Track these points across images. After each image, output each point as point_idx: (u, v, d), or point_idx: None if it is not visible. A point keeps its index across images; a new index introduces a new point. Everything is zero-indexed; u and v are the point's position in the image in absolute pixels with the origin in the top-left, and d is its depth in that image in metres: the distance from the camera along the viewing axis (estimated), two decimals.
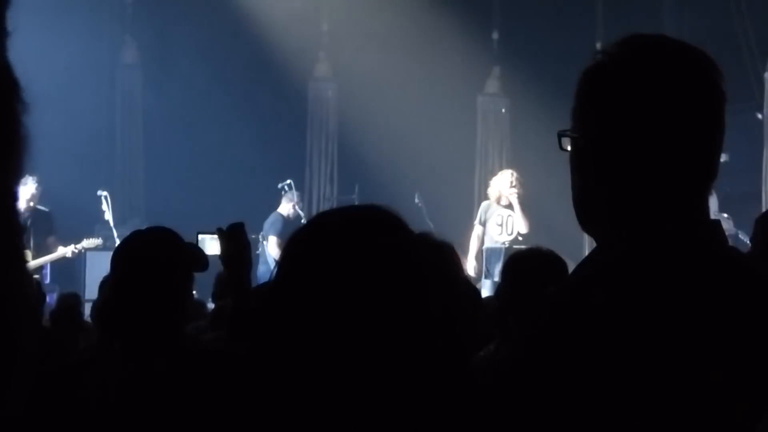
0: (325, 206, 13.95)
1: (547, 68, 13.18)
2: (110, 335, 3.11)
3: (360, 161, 13.80)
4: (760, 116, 12.70)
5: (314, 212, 13.66)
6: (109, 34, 14.40)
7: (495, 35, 14.45)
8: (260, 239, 12.25)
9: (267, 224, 12.33)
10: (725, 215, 12.19)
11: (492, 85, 14.45)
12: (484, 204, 11.33)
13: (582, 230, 1.78)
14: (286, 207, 12.53)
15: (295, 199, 12.57)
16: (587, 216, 1.76)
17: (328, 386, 1.62)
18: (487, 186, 11.76)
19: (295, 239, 1.72)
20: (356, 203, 13.11)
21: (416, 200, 12.06)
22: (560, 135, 1.79)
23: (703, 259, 1.65)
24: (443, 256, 2.88)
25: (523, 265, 3.97)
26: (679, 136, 1.67)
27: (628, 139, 1.67)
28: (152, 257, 3.02)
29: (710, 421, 1.54)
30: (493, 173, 13.73)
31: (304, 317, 1.64)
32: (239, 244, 3.40)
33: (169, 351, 3.00)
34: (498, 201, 11.09)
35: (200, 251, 3.27)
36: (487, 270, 10.67)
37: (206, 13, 14.03)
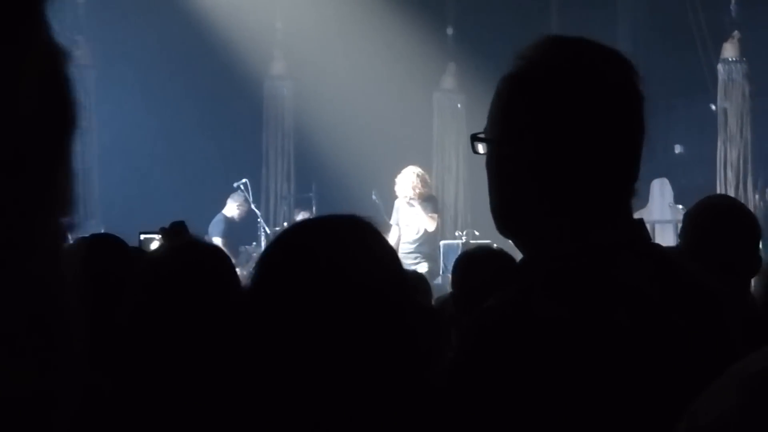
0: (281, 204, 13.93)
1: (503, 64, 13.08)
2: None
3: (317, 159, 13.78)
4: (713, 107, 12.80)
5: (271, 211, 13.64)
6: (61, 35, 14.26)
7: (450, 31, 14.46)
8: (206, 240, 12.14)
9: (211, 226, 12.26)
10: (680, 206, 12.28)
11: (447, 81, 14.46)
12: (395, 203, 11.21)
13: (501, 235, 1.77)
14: (231, 208, 12.45)
15: (240, 200, 12.48)
16: (508, 221, 1.74)
17: (296, 395, 1.61)
18: (441, 181, 11.72)
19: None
20: (313, 201, 13.15)
21: (373, 197, 12.05)
22: (474, 139, 1.80)
23: (634, 263, 1.65)
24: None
25: (472, 263, 3.96)
26: (604, 139, 1.66)
27: (552, 145, 1.66)
28: (94, 265, 2.96)
29: None
30: (450, 169, 13.71)
31: (275, 328, 1.63)
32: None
33: (109, 358, 2.94)
34: (406, 200, 10.98)
35: (144, 256, 3.21)
36: (445, 266, 10.65)
37: (159, 11, 13.94)
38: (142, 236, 3.93)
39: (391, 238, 11.00)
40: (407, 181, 10.91)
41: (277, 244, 1.74)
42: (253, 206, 12.55)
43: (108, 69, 14.21)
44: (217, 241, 11.97)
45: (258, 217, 12.39)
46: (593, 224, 1.66)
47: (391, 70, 13.87)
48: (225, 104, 14.27)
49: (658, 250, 1.75)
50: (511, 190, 1.72)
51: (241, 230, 12.74)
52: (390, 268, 1.71)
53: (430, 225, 10.81)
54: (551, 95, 1.67)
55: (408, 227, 10.91)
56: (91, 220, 13.34)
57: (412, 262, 10.42)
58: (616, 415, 1.52)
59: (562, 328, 1.54)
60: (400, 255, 10.04)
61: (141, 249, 3.61)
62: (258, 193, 13.31)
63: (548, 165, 1.66)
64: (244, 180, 12.52)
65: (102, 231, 11.51)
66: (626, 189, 1.71)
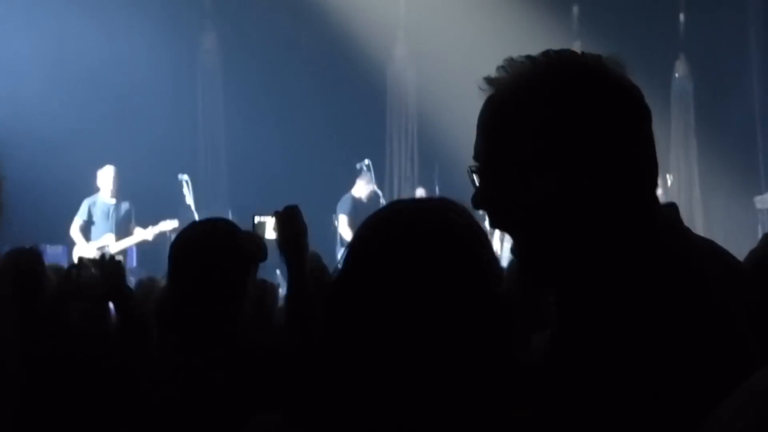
0: (405, 185, 13.96)
1: (628, 42, 13.02)
2: (167, 328, 3.10)
3: (440, 140, 13.74)
4: None
5: (395, 192, 13.68)
6: (188, 20, 14.55)
7: (575, 9, 14.30)
8: (333, 220, 12.26)
9: (339, 205, 12.32)
10: None
11: None
12: None
13: (536, 285, 1.67)
14: (359, 187, 12.48)
15: (369, 179, 12.49)
16: (546, 266, 1.62)
17: (394, 380, 1.61)
18: None
19: (362, 236, 1.71)
20: (436, 182, 13.14)
21: None
22: (471, 170, 1.67)
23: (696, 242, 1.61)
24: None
25: None
26: (614, 132, 1.59)
27: (575, 151, 1.58)
28: (206, 250, 3.01)
29: None
30: None
31: (372, 312, 1.64)
32: (295, 226, 3.34)
33: (222, 344, 2.98)
34: None
35: (257, 241, 3.22)
36: None
37: None
38: (256, 219, 3.97)
39: None
40: None
41: (366, 227, 1.73)
42: (374, 186, 12.59)
43: (233, 53, 14.43)
44: (343, 219, 12.07)
45: (380, 198, 12.44)
46: (640, 226, 1.59)
47: (515, 50, 13.65)
48: (349, 86, 14.34)
49: (697, 240, 1.68)
50: (537, 210, 1.60)
51: (367, 209, 12.79)
52: (472, 251, 1.68)
53: None
54: (556, 107, 1.60)
55: None
56: (218, 201, 13.60)
57: None
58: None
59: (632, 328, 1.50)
60: None
61: (253, 232, 3.65)
62: (381, 174, 13.36)
63: (569, 172, 1.57)
64: (366, 161, 12.58)
65: (229, 213, 11.77)
66: (651, 180, 1.64)
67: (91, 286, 3.82)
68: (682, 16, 14.27)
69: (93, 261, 3.85)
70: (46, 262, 4.61)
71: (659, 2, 13.87)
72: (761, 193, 12.87)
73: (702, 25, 14.08)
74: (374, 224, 1.72)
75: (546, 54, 1.68)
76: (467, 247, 1.65)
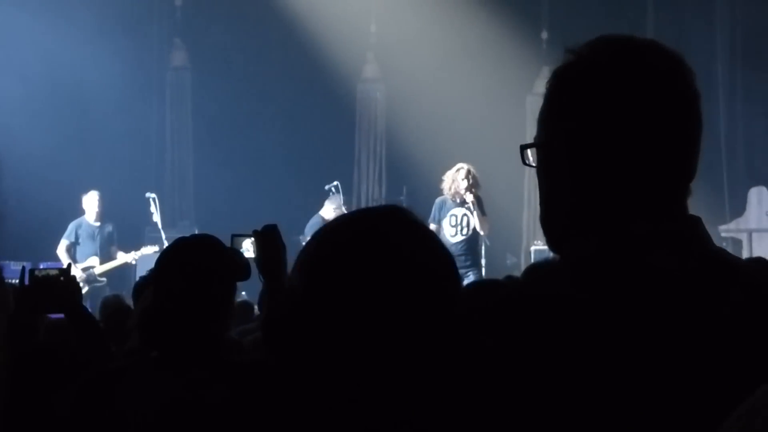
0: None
1: None
2: (149, 343, 3.06)
3: (408, 162, 13.76)
4: None
5: None
6: (158, 38, 14.50)
7: (544, 35, 14.36)
8: (301, 241, 12.18)
9: (307, 227, 12.23)
10: None
11: (541, 85, 14.20)
12: (437, 201, 10.53)
13: (550, 249, 1.71)
14: (329, 210, 12.42)
15: (339, 202, 12.43)
16: (560, 232, 1.67)
17: (352, 390, 1.59)
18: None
19: (309, 250, 1.69)
20: (404, 204, 13.12)
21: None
22: (524, 147, 1.76)
23: (678, 255, 1.58)
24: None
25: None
26: (646, 133, 1.61)
27: (605, 140, 1.61)
28: (194, 266, 2.97)
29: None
30: None
31: (323, 325, 1.61)
32: (273, 246, 3.34)
33: (206, 361, 2.95)
34: (453, 198, 10.34)
35: (242, 260, 3.19)
36: None
37: (254, 14, 14.07)
38: (235, 238, 3.95)
39: None
40: (460, 179, 10.29)
41: (321, 238, 1.71)
42: (343, 208, 12.54)
43: (203, 72, 14.39)
44: None
45: None
46: (645, 218, 1.60)
47: (484, 74, 13.80)
48: (318, 107, 14.35)
49: (715, 249, 1.65)
50: (555, 191, 1.68)
51: None
52: (434, 252, 1.66)
53: (486, 227, 10.33)
54: (600, 89, 1.63)
55: (454, 228, 10.40)
56: (184, 220, 13.53)
57: (460, 270, 10.10)
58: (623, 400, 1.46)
59: (578, 308, 1.50)
60: None
61: (237, 249, 3.62)
62: (349, 196, 13.32)
63: (600, 160, 1.61)
64: (335, 182, 12.53)
65: (195, 232, 11.70)
66: (678, 186, 1.64)
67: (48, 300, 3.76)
68: None
69: (46, 276, 3.80)
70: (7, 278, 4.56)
71: (627, 30, 13.98)
72: (726, 223, 12.98)
73: None
74: (314, 249, 1.70)
75: (605, 47, 1.69)
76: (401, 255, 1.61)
